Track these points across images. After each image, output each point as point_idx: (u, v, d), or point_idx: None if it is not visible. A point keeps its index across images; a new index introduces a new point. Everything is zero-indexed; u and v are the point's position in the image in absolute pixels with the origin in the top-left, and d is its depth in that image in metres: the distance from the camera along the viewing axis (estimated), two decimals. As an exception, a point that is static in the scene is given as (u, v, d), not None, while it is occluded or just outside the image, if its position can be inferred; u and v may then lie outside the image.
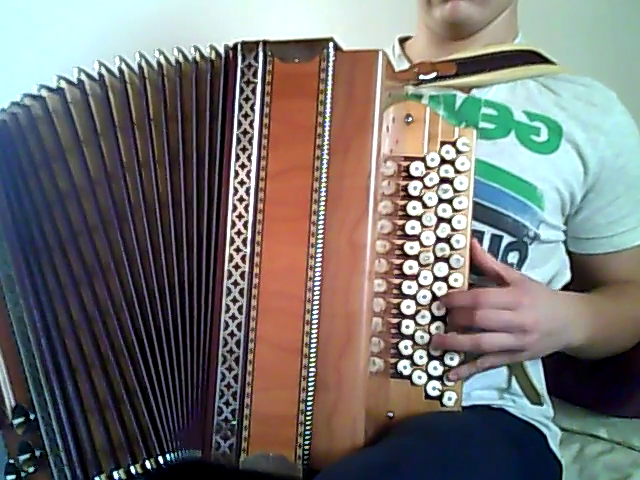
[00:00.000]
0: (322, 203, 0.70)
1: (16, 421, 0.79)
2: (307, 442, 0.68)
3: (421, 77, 0.89)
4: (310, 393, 0.69)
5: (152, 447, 0.75)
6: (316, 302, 0.69)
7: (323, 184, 0.70)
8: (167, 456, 0.74)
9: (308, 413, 0.69)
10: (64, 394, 0.78)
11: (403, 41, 1.01)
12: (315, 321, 0.69)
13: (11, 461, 0.80)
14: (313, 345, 0.69)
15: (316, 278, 0.69)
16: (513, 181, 0.84)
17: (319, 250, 0.69)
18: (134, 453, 0.76)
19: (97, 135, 0.79)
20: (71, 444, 0.78)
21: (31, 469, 0.79)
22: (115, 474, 0.76)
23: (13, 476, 0.80)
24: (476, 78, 0.90)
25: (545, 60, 0.94)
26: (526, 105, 0.89)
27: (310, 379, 0.69)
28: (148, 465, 0.75)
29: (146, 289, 0.76)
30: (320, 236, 0.70)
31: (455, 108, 0.89)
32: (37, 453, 0.79)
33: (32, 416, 0.79)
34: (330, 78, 0.70)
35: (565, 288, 0.94)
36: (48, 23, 1.30)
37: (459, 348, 0.75)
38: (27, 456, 0.79)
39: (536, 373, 0.91)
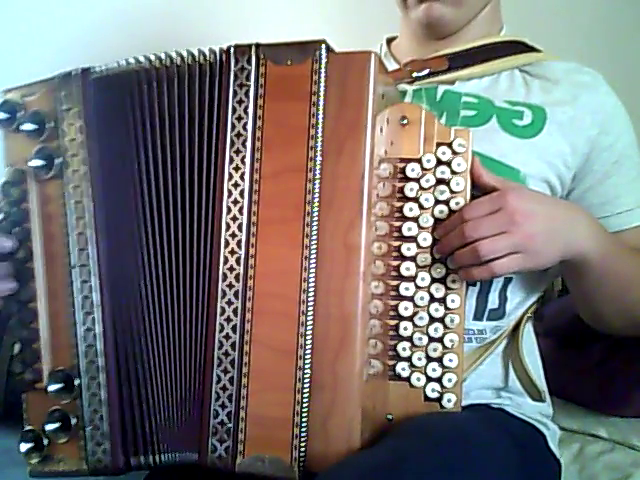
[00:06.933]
0: (316, 205, 0.69)
1: (52, 387, 0.75)
2: (303, 444, 0.68)
3: (415, 75, 0.90)
4: (305, 395, 0.68)
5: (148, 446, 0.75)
6: (310, 304, 0.69)
7: (316, 186, 0.70)
8: (162, 457, 0.74)
9: (304, 415, 0.68)
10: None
11: (390, 41, 1.02)
12: (310, 323, 0.69)
13: (29, 428, 0.77)
14: (308, 347, 0.69)
15: (310, 280, 0.69)
16: (494, 166, 0.84)
17: (313, 252, 0.69)
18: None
19: None
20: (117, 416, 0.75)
21: (62, 439, 0.76)
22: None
23: (30, 444, 0.76)
24: (467, 71, 0.91)
25: (531, 48, 0.95)
26: (508, 95, 0.90)
27: (305, 381, 0.68)
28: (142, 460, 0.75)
29: (141, 291, 0.76)
30: (314, 238, 0.69)
31: (436, 99, 0.90)
32: (72, 422, 0.75)
33: (77, 382, 0.75)
34: (322, 80, 0.70)
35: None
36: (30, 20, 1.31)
37: (457, 258, 0.73)
38: (57, 425, 0.75)
39: (535, 370, 0.90)
